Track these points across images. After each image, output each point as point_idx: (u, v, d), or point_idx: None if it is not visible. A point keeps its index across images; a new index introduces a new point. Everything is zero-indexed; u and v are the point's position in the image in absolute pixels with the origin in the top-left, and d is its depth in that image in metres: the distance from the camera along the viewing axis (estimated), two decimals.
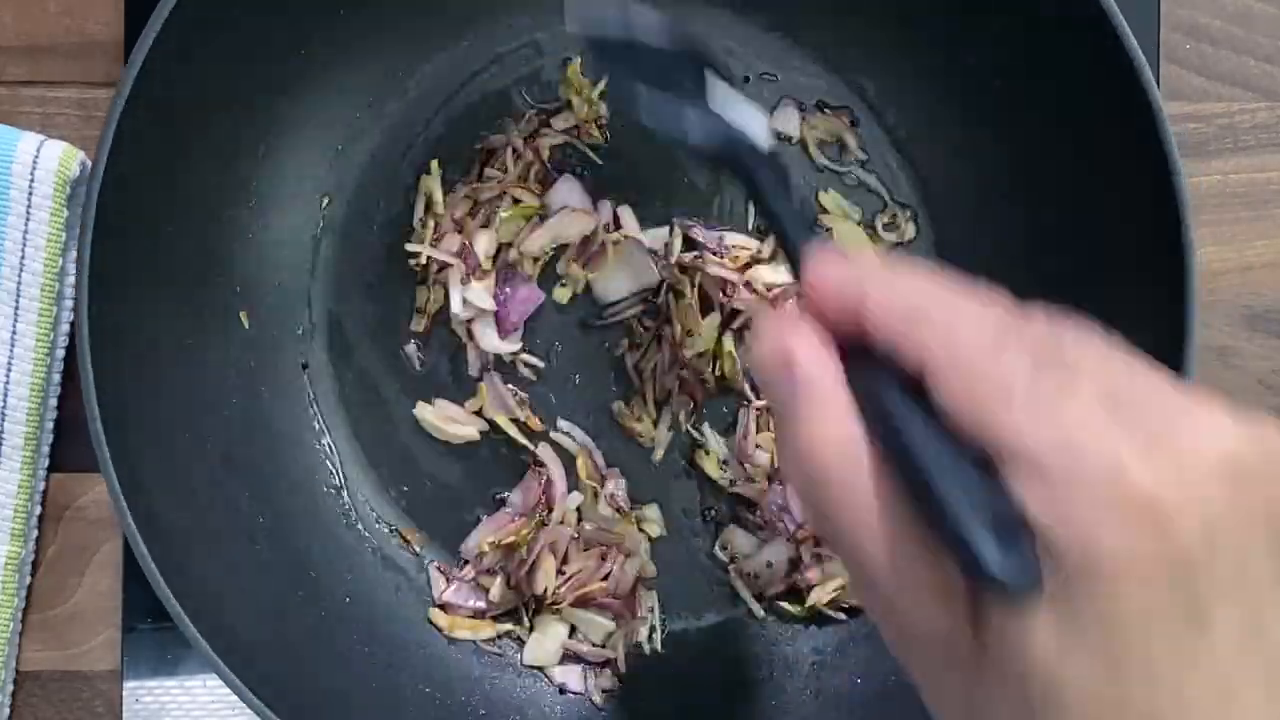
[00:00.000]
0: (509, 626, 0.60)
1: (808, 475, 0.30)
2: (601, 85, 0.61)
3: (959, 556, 0.27)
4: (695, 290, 0.59)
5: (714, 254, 0.60)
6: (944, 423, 0.28)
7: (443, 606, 0.60)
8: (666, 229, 0.60)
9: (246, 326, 0.58)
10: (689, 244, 0.60)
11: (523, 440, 0.60)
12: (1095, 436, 0.27)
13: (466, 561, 0.60)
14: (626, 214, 0.60)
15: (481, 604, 0.59)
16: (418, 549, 0.61)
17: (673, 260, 0.60)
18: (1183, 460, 0.27)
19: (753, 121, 0.44)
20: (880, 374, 0.29)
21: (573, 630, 0.60)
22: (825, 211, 0.61)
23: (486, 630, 0.59)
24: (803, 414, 0.30)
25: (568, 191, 0.60)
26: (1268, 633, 0.27)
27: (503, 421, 0.60)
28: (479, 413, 0.60)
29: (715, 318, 0.60)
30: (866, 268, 0.31)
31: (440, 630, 0.59)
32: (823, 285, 0.31)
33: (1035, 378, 0.28)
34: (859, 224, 0.61)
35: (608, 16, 0.45)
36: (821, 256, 0.32)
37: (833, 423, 0.29)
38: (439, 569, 0.60)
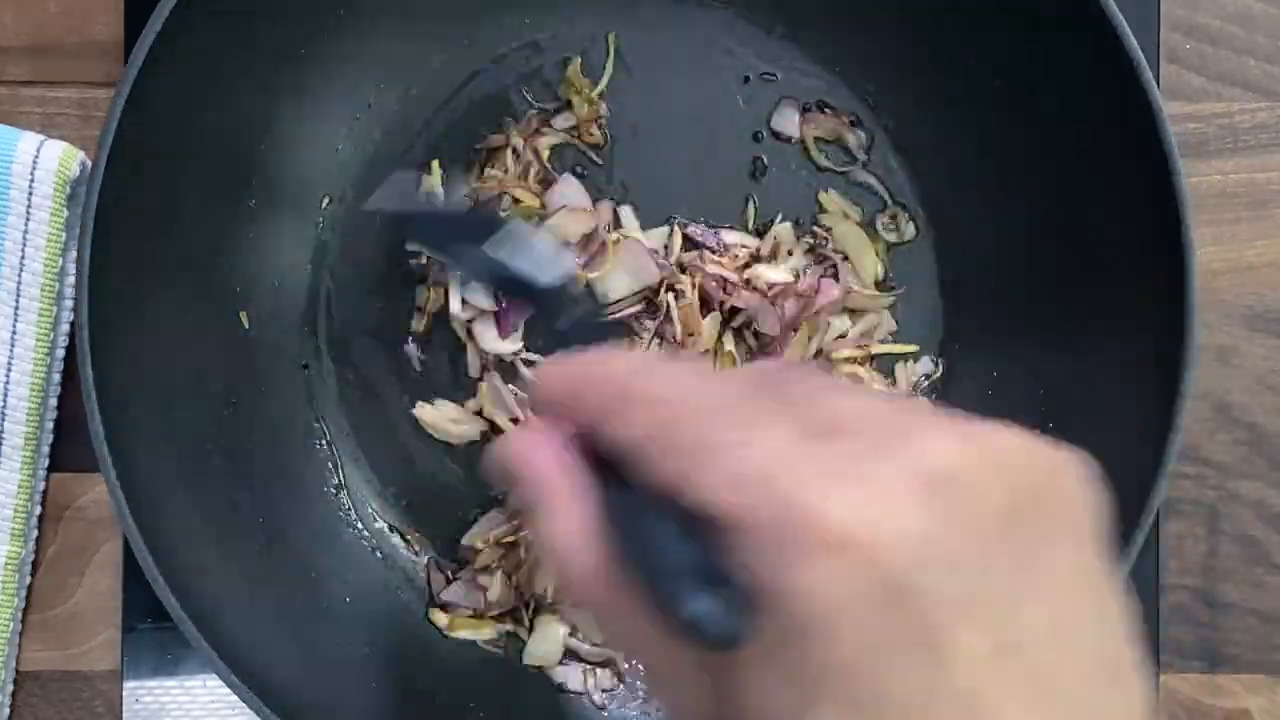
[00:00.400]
0: (509, 626, 0.60)
1: (549, 562, 0.31)
2: (602, 85, 0.61)
3: (672, 619, 0.27)
4: (695, 290, 0.59)
5: (713, 253, 0.60)
6: (660, 499, 0.28)
7: (442, 606, 0.60)
8: (666, 229, 0.60)
9: (246, 326, 0.58)
10: (689, 243, 0.60)
11: None
12: (783, 475, 0.26)
13: (466, 561, 0.60)
14: (627, 213, 0.60)
15: (481, 603, 0.59)
16: (418, 549, 0.61)
17: (672, 260, 0.60)
18: (879, 483, 0.26)
19: (543, 264, 0.44)
20: (604, 461, 0.30)
21: (573, 630, 0.60)
22: (825, 211, 0.61)
23: (486, 630, 0.59)
24: (536, 512, 0.31)
25: (568, 191, 0.60)
26: (1022, 647, 0.26)
27: (503, 421, 0.60)
28: (479, 413, 0.60)
29: (715, 317, 0.60)
30: (573, 366, 0.32)
31: (440, 629, 0.59)
32: (542, 393, 0.32)
33: (722, 426, 0.27)
34: (859, 224, 0.61)
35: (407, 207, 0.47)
36: (542, 368, 0.33)
37: (561, 518, 0.30)
38: (439, 568, 0.60)
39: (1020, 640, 0.26)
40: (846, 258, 0.60)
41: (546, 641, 0.59)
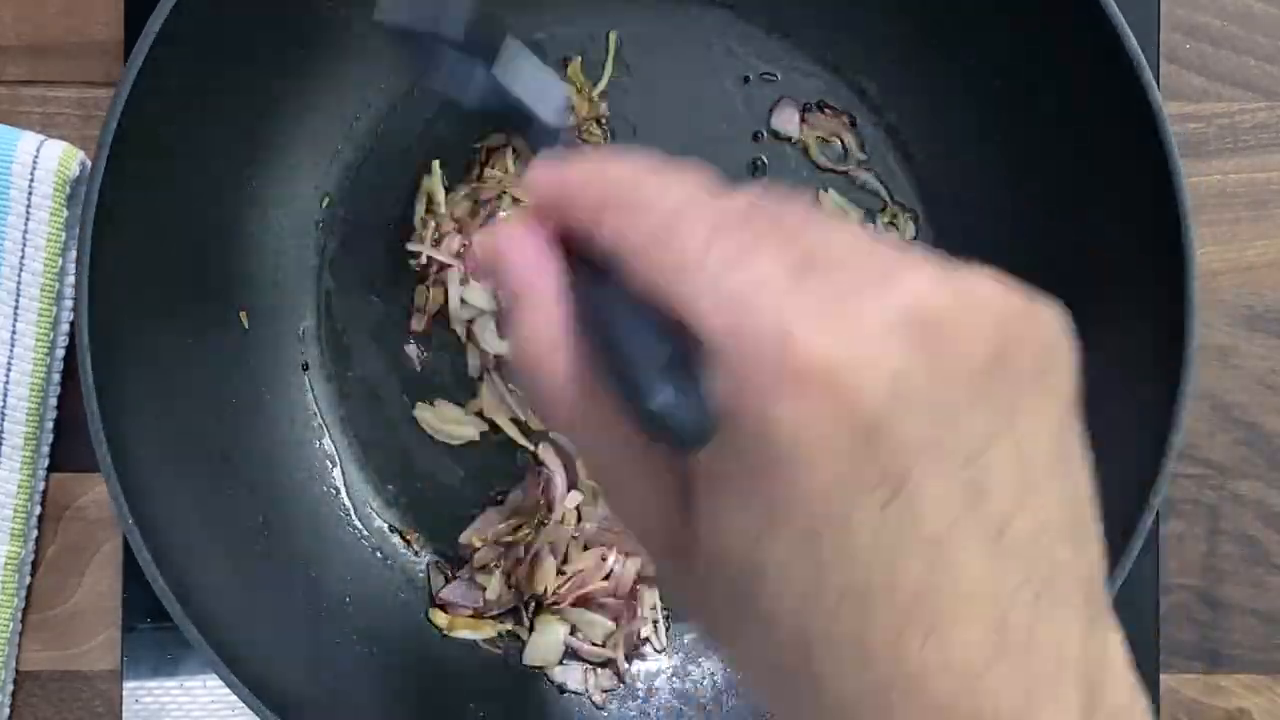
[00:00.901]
0: (509, 626, 0.60)
1: (521, 366, 0.30)
2: (602, 84, 0.61)
3: (636, 409, 0.27)
4: None
5: None
6: (641, 301, 0.28)
7: (442, 605, 0.60)
8: None
9: (246, 327, 0.58)
10: None
11: (523, 440, 0.60)
12: (768, 303, 0.26)
13: (465, 561, 0.60)
14: None
15: (480, 602, 0.59)
16: (418, 549, 0.61)
17: None
18: (863, 321, 0.25)
19: (544, 96, 0.43)
20: (590, 263, 0.30)
21: (573, 630, 0.60)
22: (825, 211, 0.61)
23: (486, 629, 0.59)
24: (515, 310, 0.30)
25: None
26: (988, 498, 0.26)
27: (503, 422, 0.60)
28: (479, 413, 0.60)
29: None
30: (570, 163, 0.31)
31: (439, 629, 0.59)
32: (535, 186, 0.31)
33: (714, 243, 0.27)
34: (858, 223, 0.61)
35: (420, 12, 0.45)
36: (539, 161, 0.32)
37: (538, 317, 0.29)
38: (438, 567, 0.60)
39: (987, 491, 0.26)
40: None
41: (546, 641, 0.59)
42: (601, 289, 0.29)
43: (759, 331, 0.25)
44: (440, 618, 0.59)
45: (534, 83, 0.43)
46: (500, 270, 0.30)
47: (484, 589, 0.59)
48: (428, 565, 0.60)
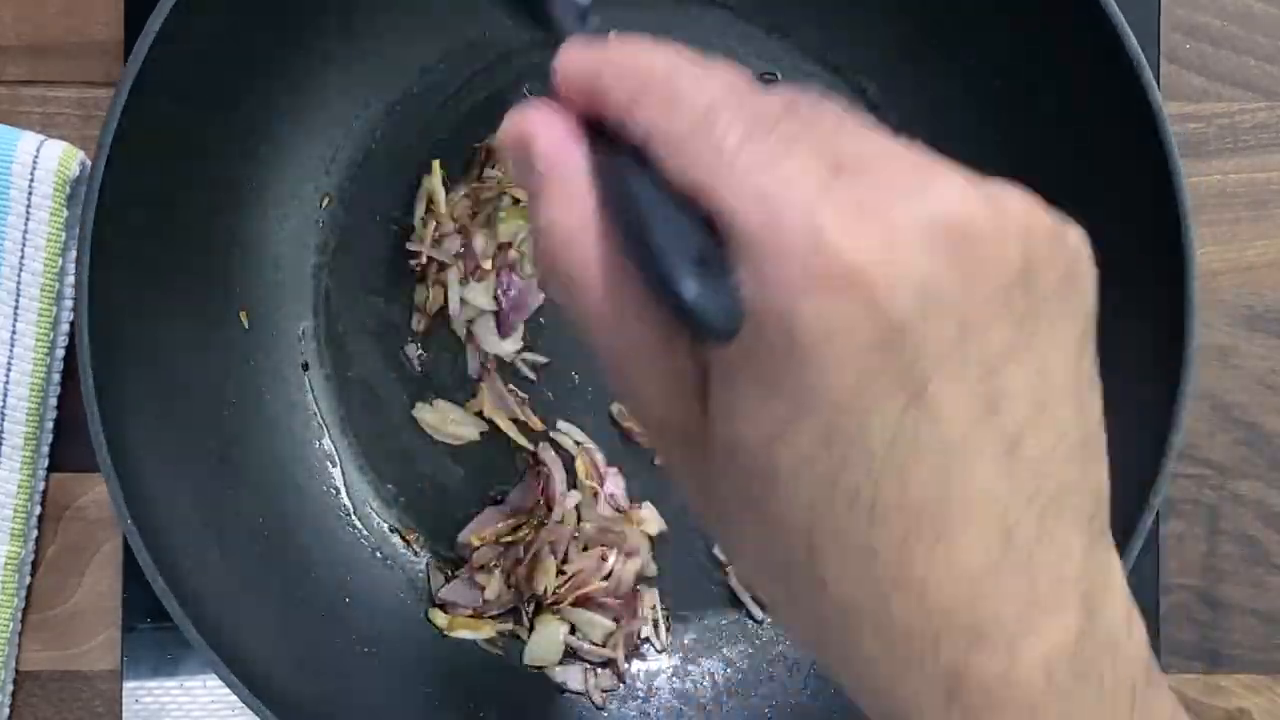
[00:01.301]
0: (509, 626, 0.60)
1: (545, 253, 0.30)
2: None
3: (665, 297, 0.27)
4: None
5: None
6: (672, 193, 0.28)
7: (441, 605, 0.60)
8: None
9: (246, 327, 0.58)
10: None
11: (522, 440, 0.60)
12: (801, 203, 0.26)
13: (464, 560, 0.60)
14: None
15: (479, 602, 0.59)
16: (417, 550, 0.61)
17: None
18: (894, 225, 0.26)
19: None
20: (619, 151, 0.29)
21: (573, 629, 0.60)
22: None
23: (486, 629, 0.59)
24: (540, 196, 0.29)
25: None
26: (1003, 410, 0.26)
27: (503, 422, 0.60)
28: (479, 413, 0.60)
29: None
30: (604, 48, 0.31)
31: (439, 629, 0.59)
32: (564, 69, 0.31)
33: (751, 140, 0.27)
34: None
35: None
36: (570, 44, 0.32)
37: (564, 205, 0.29)
38: (438, 567, 0.60)
39: (1003, 405, 0.26)
40: None
41: (546, 641, 0.59)
42: (631, 177, 0.29)
43: (791, 228, 0.25)
44: (440, 617, 0.59)
45: None
46: (526, 150, 0.30)
47: (483, 588, 0.59)
48: (427, 565, 0.60)
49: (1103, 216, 0.55)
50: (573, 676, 0.59)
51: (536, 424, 0.60)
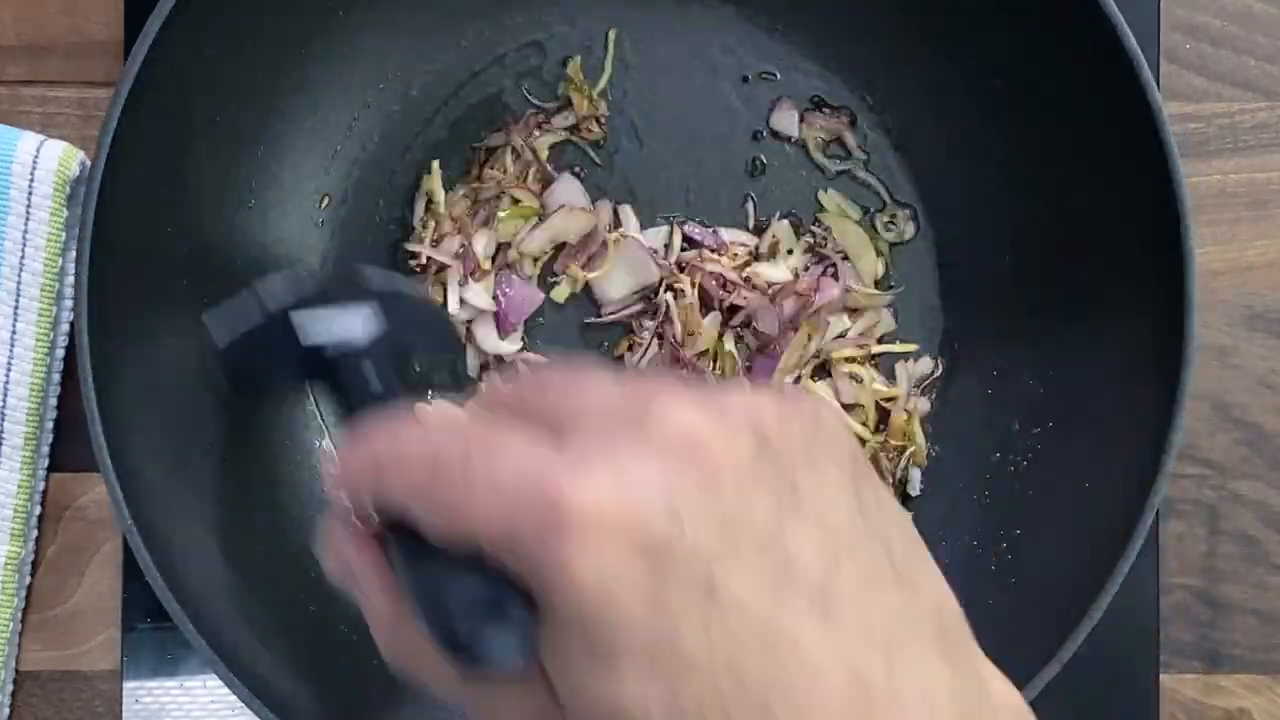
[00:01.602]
0: None
1: (381, 643, 0.34)
2: (602, 83, 0.61)
3: (470, 662, 0.29)
4: (695, 289, 0.59)
5: (712, 251, 0.60)
6: (445, 546, 0.29)
7: None
8: (666, 228, 0.60)
9: None
10: (688, 243, 0.60)
11: None
12: (531, 480, 0.27)
13: None
14: (626, 213, 0.60)
15: None
16: None
17: (672, 259, 0.60)
18: (625, 462, 0.27)
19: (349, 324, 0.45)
20: (403, 529, 0.32)
21: None
22: (824, 210, 0.61)
23: None
24: (359, 597, 0.34)
25: (567, 190, 0.60)
26: (797, 569, 0.27)
27: None
28: None
29: (716, 317, 0.60)
30: (343, 457, 0.33)
31: None
32: (336, 486, 0.34)
33: (472, 454, 0.28)
34: (858, 223, 0.61)
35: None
36: (333, 462, 0.34)
37: (373, 603, 0.33)
38: None
39: (795, 565, 0.27)
40: (847, 257, 0.60)
41: None
42: (415, 548, 0.31)
43: (529, 503, 0.27)
44: None
45: (337, 320, 0.44)
46: (341, 574, 0.34)
47: None
48: None
49: (1103, 216, 0.55)
50: None
51: None
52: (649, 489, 0.27)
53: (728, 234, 0.60)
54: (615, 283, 0.60)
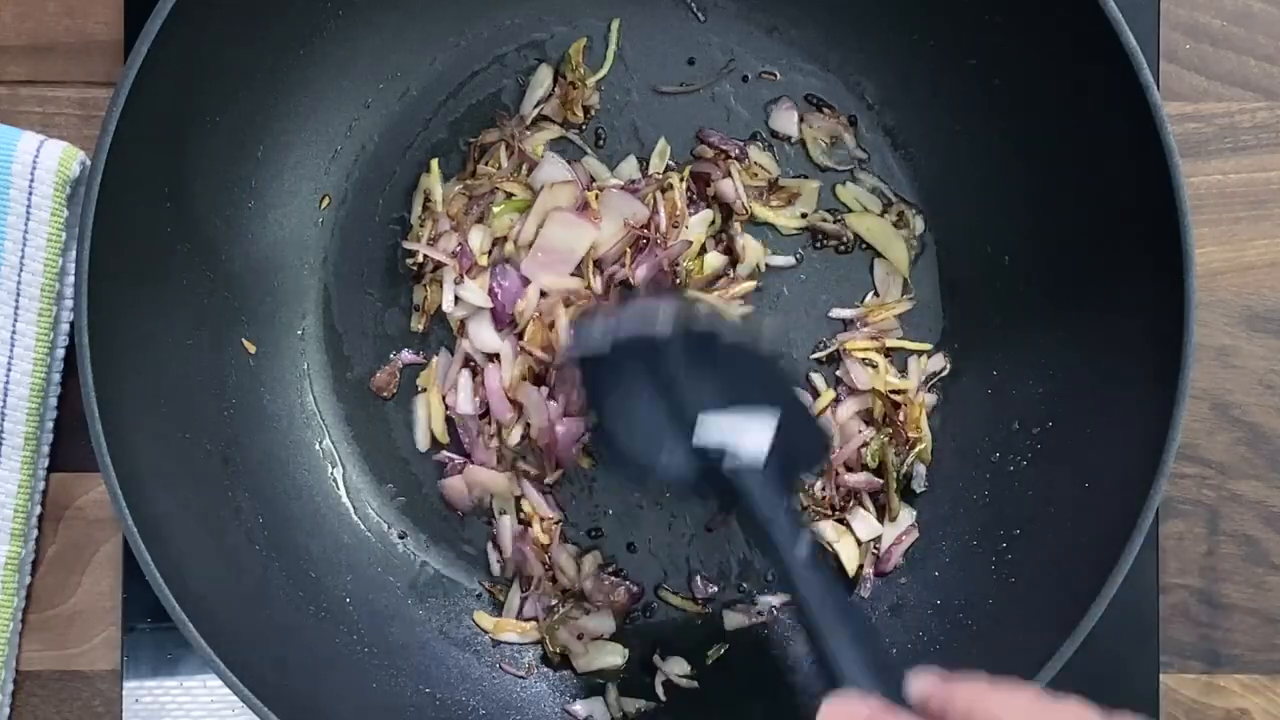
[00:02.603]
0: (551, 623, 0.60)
1: None
2: (604, 71, 0.61)
3: None
4: (683, 183, 0.59)
5: (737, 159, 0.60)
6: None
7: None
8: (634, 161, 0.61)
9: (247, 327, 0.58)
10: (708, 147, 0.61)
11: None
12: None
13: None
14: (592, 163, 0.61)
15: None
16: (417, 550, 0.61)
17: (659, 171, 0.60)
18: None
19: (746, 437, 0.48)
20: None
21: None
22: (848, 210, 0.61)
23: (532, 633, 0.60)
24: None
25: (551, 169, 0.60)
26: None
27: None
28: None
29: (707, 215, 0.60)
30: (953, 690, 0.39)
31: (485, 631, 0.60)
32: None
33: None
34: (880, 215, 0.61)
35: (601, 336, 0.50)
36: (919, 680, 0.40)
37: None
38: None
39: None
40: (868, 247, 0.61)
41: (605, 653, 0.60)
42: None
43: None
44: (486, 620, 0.60)
45: (733, 431, 0.48)
46: None
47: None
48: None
49: (1103, 217, 0.55)
50: (598, 711, 0.59)
51: None
52: None
53: (754, 152, 0.61)
54: (608, 230, 0.59)
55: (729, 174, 0.60)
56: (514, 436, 0.59)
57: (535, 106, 0.61)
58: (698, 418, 0.47)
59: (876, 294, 0.61)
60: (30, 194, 0.57)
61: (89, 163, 0.58)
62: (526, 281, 0.59)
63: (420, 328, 0.61)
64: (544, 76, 0.61)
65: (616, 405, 0.51)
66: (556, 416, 0.58)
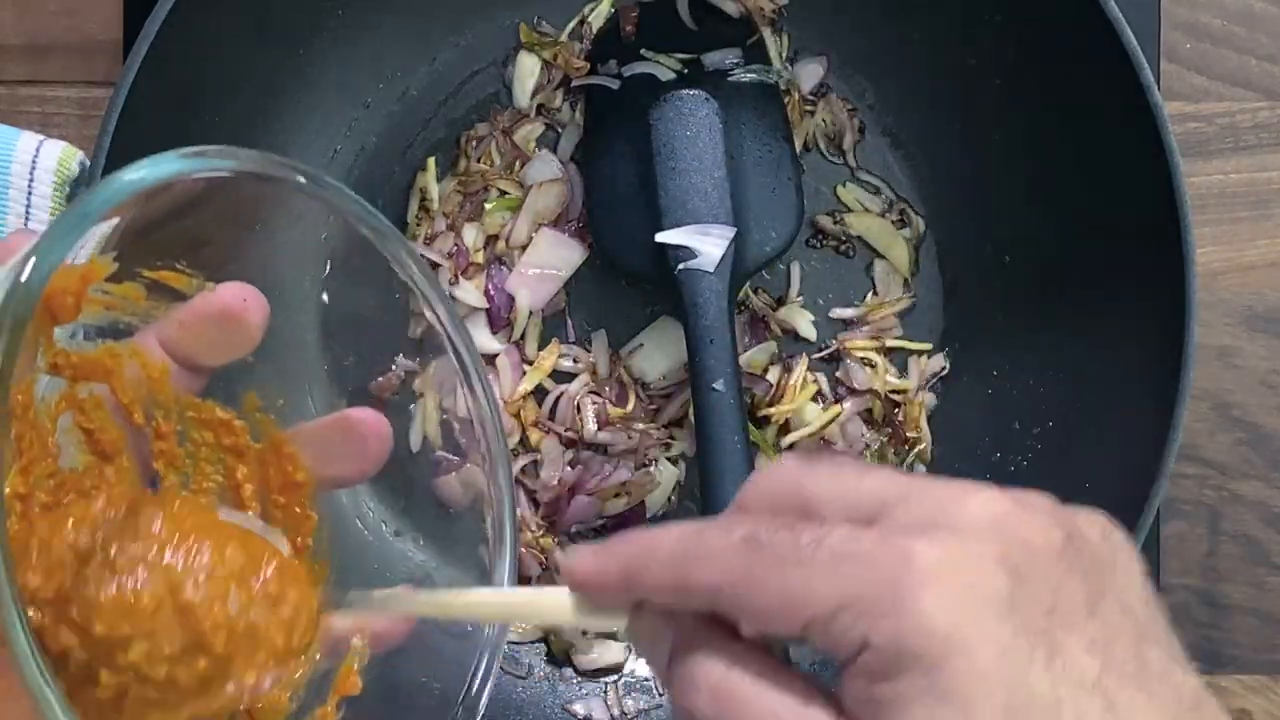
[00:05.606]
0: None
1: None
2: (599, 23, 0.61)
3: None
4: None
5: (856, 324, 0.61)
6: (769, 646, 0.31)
7: None
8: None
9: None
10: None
11: (515, 438, 0.60)
12: (870, 546, 0.29)
13: None
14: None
15: None
16: (417, 550, 0.61)
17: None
18: (952, 531, 0.29)
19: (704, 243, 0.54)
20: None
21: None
22: (848, 210, 0.61)
23: (532, 633, 0.60)
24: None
25: (542, 167, 0.60)
26: (1114, 643, 0.29)
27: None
28: None
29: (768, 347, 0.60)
30: (627, 558, 0.33)
31: None
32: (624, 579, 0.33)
33: (795, 546, 0.29)
34: (880, 215, 0.61)
35: None
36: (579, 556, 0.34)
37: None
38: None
39: (1112, 640, 0.29)
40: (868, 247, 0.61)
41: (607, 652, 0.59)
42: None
43: (873, 566, 0.28)
44: None
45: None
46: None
47: None
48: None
49: (1103, 217, 0.55)
50: (596, 707, 0.59)
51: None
52: (989, 546, 0.28)
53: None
54: (651, 360, 0.60)
55: None
56: (509, 443, 0.59)
57: (532, 97, 0.60)
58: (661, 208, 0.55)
59: (876, 294, 0.61)
60: (30, 194, 0.57)
61: (89, 162, 0.58)
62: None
63: (418, 331, 0.61)
64: (528, 62, 0.60)
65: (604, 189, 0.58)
66: (571, 484, 0.59)
